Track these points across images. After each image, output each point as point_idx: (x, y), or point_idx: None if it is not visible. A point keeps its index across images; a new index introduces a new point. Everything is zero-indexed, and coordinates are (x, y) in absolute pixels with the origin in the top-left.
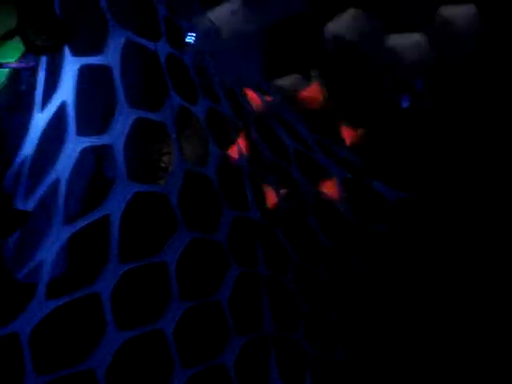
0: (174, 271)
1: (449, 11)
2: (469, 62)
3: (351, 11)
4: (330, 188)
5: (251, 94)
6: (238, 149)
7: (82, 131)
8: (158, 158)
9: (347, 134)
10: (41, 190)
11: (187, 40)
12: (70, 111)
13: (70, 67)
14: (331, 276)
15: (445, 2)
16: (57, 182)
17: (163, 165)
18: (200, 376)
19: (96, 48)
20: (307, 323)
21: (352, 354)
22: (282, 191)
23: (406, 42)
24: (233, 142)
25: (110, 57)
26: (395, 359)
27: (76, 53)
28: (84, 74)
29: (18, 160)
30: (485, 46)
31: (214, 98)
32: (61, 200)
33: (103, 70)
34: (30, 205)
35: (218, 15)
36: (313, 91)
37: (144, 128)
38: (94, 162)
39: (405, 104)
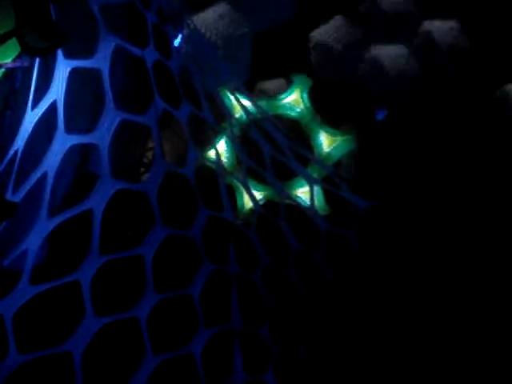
0: (150, 264)
1: (432, 25)
2: (450, 76)
3: (337, 19)
4: (301, 193)
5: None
6: (216, 152)
7: (70, 129)
8: (141, 157)
9: (325, 141)
10: (29, 183)
11: (174, 44)
12: (60, 110)
13: (62, 68)
14: (298, 277)
15: (429, 16)
16: (44, 175)
17: (146, 162)
18: (169, 362)
19: (87, 52)
20: (273, 320)
21: (313, 352)
22: (260, 194)
23: (389, 52)
24: (212, 145)
25: (100, 61)
26: (353, 359)
27: (68, 55)
28: (75, 75)
29: (10, 154)
30: (467, 61)
31: (195, 103)
32: (47, 193)
33: (93, 73)
34: (19, 196)
35: (205, 19)
36: (294, 98)
37: (130, 129)
38: (81, 159)
39: (380, 116)
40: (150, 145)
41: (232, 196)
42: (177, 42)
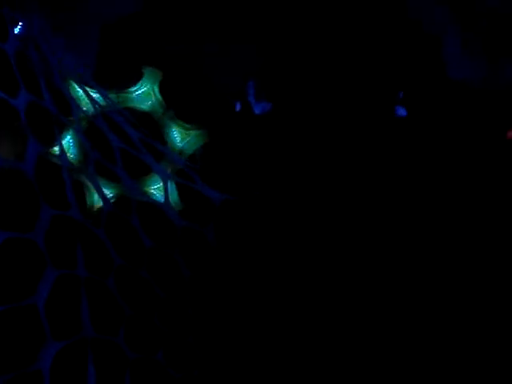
0: None
1: None
2: None
3: None
4: (156, 189)
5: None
6: (60, 146)
7: None
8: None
9: (178, 135)
10: None
11: (15, 30)
12: None
13: None
14: (154, 277)
15: None
16: None
17: None
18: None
19: None
20: (128, 326)
21: (172, 356)
22: (110, 192)
23: None
24: (55, 137)
25: None
26: (217, 360)
27: None
28: None
29: None
30: None
31: (36, 92)
32: None
33: None
34: None
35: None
36: (144, 91)
37: None
38: None
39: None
40: None
41: (82, 194)
42: (17, 28)
